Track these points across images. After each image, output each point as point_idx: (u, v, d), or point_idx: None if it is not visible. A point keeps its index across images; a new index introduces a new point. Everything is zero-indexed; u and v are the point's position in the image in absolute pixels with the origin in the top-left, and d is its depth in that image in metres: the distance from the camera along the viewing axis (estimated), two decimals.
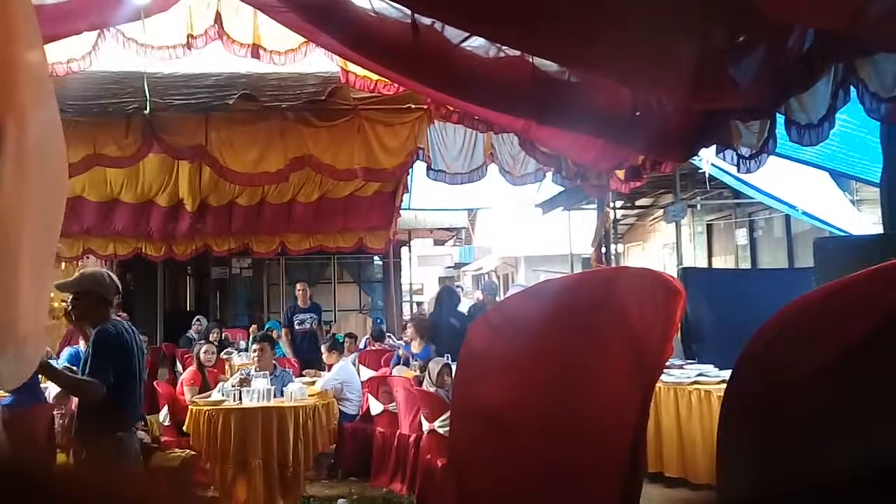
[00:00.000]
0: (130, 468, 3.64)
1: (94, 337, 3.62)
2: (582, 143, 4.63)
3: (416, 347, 7.53)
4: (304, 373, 7.42)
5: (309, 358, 8.29)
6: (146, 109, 5.02)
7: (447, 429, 4.66)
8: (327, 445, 5.92)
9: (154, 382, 6.77)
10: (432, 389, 5.45)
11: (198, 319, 10.50)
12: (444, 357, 5.94)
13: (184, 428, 5.41)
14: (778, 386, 1.26)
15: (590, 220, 7.49)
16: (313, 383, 6.49)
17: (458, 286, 16.31)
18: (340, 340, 8.10)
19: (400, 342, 9.20)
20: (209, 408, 5.24)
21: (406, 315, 14.31)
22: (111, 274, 3.90)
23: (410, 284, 16.60)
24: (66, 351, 7.53)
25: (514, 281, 19.77)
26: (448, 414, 4.61)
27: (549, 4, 2.64)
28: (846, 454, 1.08)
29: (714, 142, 3.84)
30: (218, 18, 4.34)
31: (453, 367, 5.25)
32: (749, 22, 2.63)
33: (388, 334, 10.22)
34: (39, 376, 4.19)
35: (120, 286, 3.92)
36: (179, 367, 7.84)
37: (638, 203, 13.64)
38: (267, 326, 10.69)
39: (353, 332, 9.64)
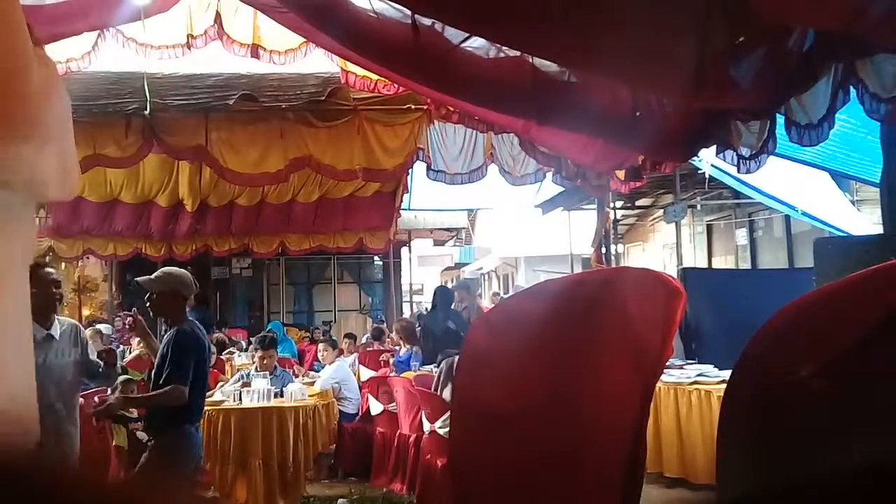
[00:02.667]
0: (194, 458, 3.88)
1: (175, 339, 3.79)
2: (582, 143, 4.62)
3: (401, 351, 7.55)
4: None
5: None
6: (146, 110, 5.02)
7: (447, 429, 4.66)
8: (327, 445, 5.93)
9: None
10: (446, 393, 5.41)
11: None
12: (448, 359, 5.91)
13: None
14: (778, 386, 1.26)
15: (590, 221, 7.49)
16: (313, 383, 6.50)
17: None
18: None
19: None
20: (209, 408, 5.23)
21: (406, 315, 14.31)
22: (189, 274, 4.05)
23: (410, 285, 16.59)
24: None
25: (514, 281, 19.76)
26: (448, 414, 4.61)
27: (549, 5, 2.64)
28: (846, 455, 1.08)
29: (714, 142, 3.83)
30: (218, 18, 4.34)
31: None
32: (749, 22, 2.63)
33: (389, 335, 10.20)
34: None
35: (197, 286, 4.09)
36: None
37: (638, 203, 13.64)
38: (268, 328, 10.70)
39: (352, 333, 9.65)
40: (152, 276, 3.99)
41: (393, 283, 14.27)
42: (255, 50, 4.45)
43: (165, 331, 4.02)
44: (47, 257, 10.04)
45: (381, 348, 8.73)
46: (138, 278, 4.05)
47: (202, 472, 4.34)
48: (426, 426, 5.40)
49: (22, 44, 1.12)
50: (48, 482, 0.61)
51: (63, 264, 12.02)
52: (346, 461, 6.43)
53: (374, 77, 4.65)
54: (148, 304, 3.95)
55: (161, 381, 3.76)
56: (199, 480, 4.38)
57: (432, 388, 5.53)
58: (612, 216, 8.66)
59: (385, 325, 11.92)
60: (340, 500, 5.69)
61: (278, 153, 5.53)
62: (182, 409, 3.76)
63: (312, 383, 6.50)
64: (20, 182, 1.13)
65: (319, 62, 4.83)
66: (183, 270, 4.06)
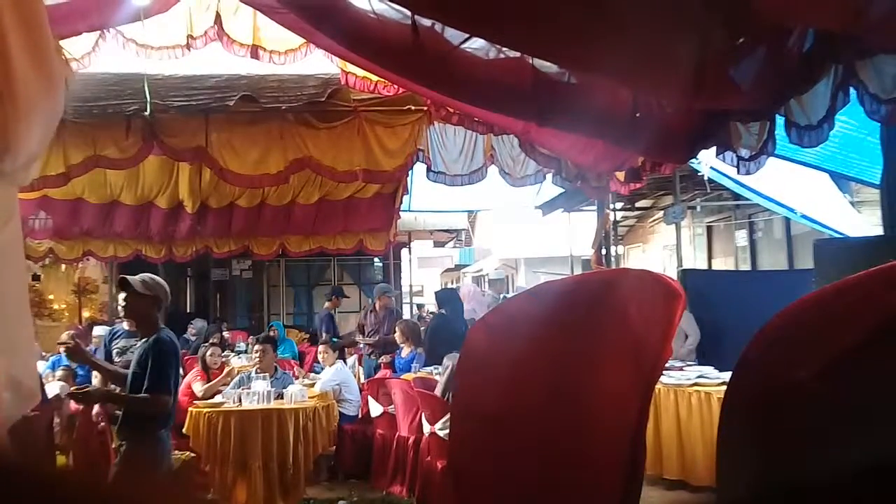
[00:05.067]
0: (165, 463, 3.85)
1: (156, 347, 3.73)
2: (582, 144, 4.62)
3: (403, 352, 7.48)
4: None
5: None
6: (146, 111, 5.02)
7: (447, 431, 4.66)
8: (327, 447, 5.93)
9: None
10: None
11: (191, 323, 10.50)
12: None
13: (183, 430, 5.41)
14: (778, 388, 1.25)
15: (590, 222, 7.49)
16: (313, 385, 6.50)
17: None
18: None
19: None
20: (209, 410, 5.24)
21: (406, 316, 14.29)
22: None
23: (410, 286, 16.60)
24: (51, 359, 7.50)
25: (514, 283, 19.77)
26: (448, 416, 4.61)
27: (549, 5, 2.64)
28: (846, 456, 1.07)
29: (714, 143, 3.84)
30: (218, 19, 4.34)
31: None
32: (749, 23, 2.63)
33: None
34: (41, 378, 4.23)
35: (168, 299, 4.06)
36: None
37: (638, 205, 13.66)
38: (271, 325, 10.71)
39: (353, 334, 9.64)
40: (138, 278, 3.91)
41: (393, 285, 14.27)
42: (255, 50, 4.45)
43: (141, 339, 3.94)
44: (47, 259, 10.06)
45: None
46: (127, 276, 3.94)
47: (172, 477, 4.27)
48: (426, 428, 5.40)
49: (46, 36, 1.13)
50: (46, 483, 0.61)
51: (63, 266, 12.03)
52: (346, 463, 6.42)
53: (374, 78, 4.65)
54: (124, 303, 3.88)
55: (141, 391, 3.68)
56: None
57: (435, 390, 5.52)
58: (611, 218, 8.66)
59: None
60: (340, 502, 5.69)
61: (278, 154, 5.53)
62: (159, 415, 3.73)
63: (312, 385, 6.50)
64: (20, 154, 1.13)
65: (319, 63, 4.83)
66: (163, 282, 4.03)
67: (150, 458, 3.72)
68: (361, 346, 8.57)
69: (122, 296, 3.91)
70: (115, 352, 6.15)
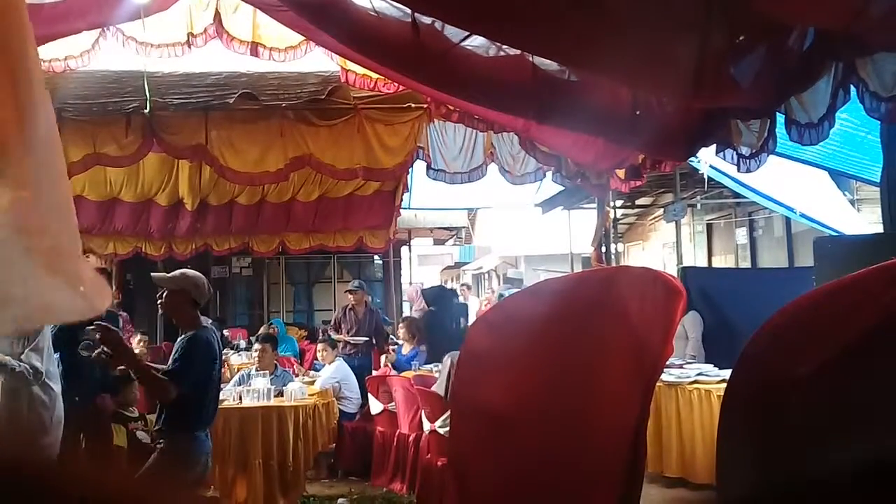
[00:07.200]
0: (202, 464, 3.81)
1: (185, 342, 3.74)
2: (582, 142, 4.63)
3: (405, 349, 7.47)
4: None
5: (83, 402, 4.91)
6: (146, 108, 5.02)
7: (447, 429, 4.66)
8: (327, 445, 5.93)
9: None
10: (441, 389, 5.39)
11: None
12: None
13: None
14: (778, 385, 1.26)
15: (590, 220, 7.48)
16: (313, 382, 6.50)
17: (464, 285, 16.27)
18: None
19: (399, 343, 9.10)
20: None
21: (406, 314, 14.27)
22: (206, 281, 4.01)
23: (410, 283, 16.58)
24: None
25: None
26: (448, 413, 4.61)
27: (549, 4, 2.64)
28: (846, 454, 1.08)
29: (714, 141, 3.84)
30: (217, 16, 4.33)
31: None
32: (749, 21, 2.63)
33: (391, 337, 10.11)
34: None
35: (211, 293, 4.06)
36: None
37: (638, 202, 13.64)
38: (271, 322, 10.70)
39: None
40: (166, 275, 3.95)
41: (393, 282, 14.27)
42: (254, 48, 4.44)
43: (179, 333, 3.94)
44: None
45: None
46: (153, 274, 3.97)
47: (208, 477, 4.22)
48: (426, 425, 5.40)
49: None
50: (47, 479, 0.61)
51: None
52: (345, 460, 6.43)
53: (374, 76, 4.65)
54: (159, 301, 3.92)
55: None
56: (204, 485, 4.31)
57: (433, 387, 5.52)
58: (611, 215, 8.65)
59: (389, 327, 11.82)
60: (340, 500, 5.69)
61: (278, 152, 5.53)
62: (192, 415, 3.72)
63: (312, 382, 6.50)
64: None
65: (319, 61, 4.83)
66: (200, 275, 3.99)
67: (185, 459, 3.70)
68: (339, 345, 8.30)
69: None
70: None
